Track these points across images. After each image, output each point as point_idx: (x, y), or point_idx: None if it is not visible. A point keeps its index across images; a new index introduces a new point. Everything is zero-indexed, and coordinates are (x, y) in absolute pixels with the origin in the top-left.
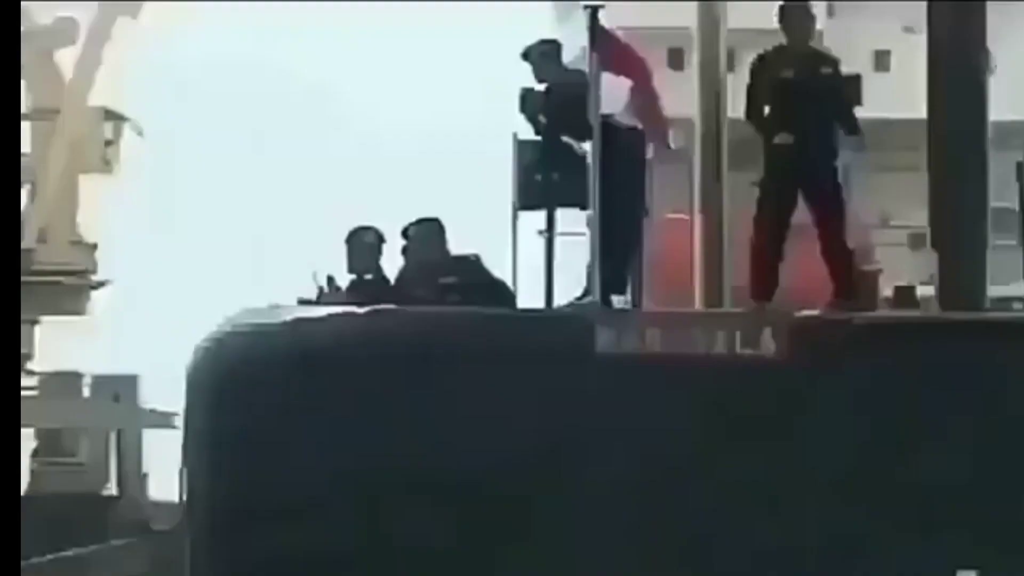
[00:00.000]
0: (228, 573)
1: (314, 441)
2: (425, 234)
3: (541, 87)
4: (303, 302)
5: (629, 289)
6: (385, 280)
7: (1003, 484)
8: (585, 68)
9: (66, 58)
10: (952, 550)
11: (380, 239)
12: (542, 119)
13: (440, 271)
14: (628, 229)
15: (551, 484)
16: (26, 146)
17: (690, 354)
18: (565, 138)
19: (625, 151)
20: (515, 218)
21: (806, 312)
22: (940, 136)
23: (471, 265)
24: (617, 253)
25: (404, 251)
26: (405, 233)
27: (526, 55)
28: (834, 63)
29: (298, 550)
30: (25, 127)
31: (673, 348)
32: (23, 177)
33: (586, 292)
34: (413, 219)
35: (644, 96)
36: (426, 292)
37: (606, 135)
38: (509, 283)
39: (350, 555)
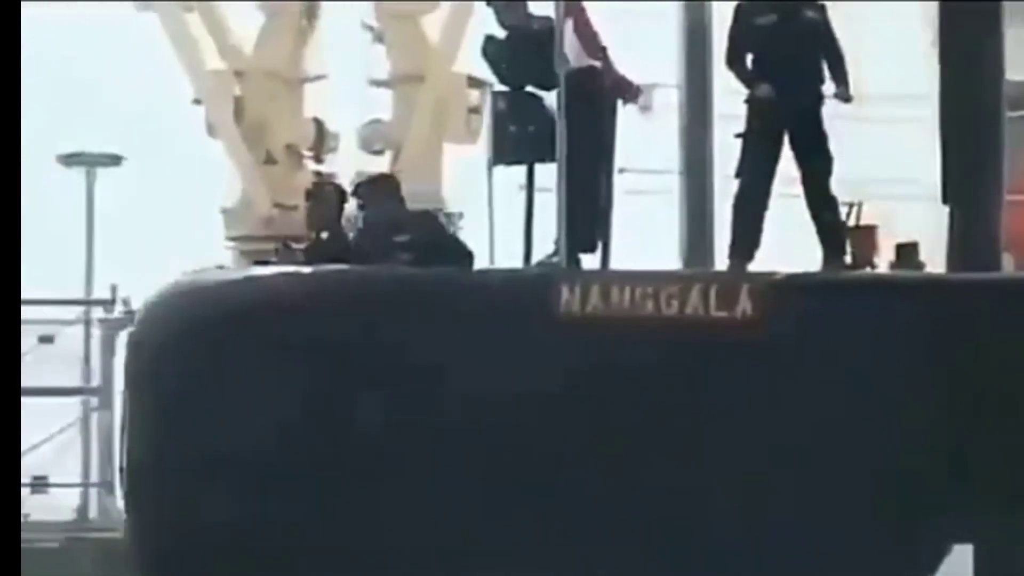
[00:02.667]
0: (167, 537)
1: (253, 403)
2: (378, 190)
3: (503, 33)
4: (258, 263)
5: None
6: (343, 238)
7: (996, 452)
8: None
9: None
10: (947, 522)
11: (341, 195)
12: (504, 67)
13: (393, 229)
14: (596, 185)
15: (507, 449)
16: (387, 112)
17: (659, 315)
18: (530, 88)
19: (594, 104)
20: (490, 173)
21: (779, 271)
22: (952, 86)
23: (426, 221)
24: (585, 210)
25: (360, 208)
26: (356, 191)
27: (489, 1)
28: (820, 7)
29: (238, 513)
30: (386, 94)
31: (641, 309)
32: (386, 144)
33: (556, 251)
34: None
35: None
36: (378, 251)
37: (572, 87)
38: (476, 241)
39: (294, 518)
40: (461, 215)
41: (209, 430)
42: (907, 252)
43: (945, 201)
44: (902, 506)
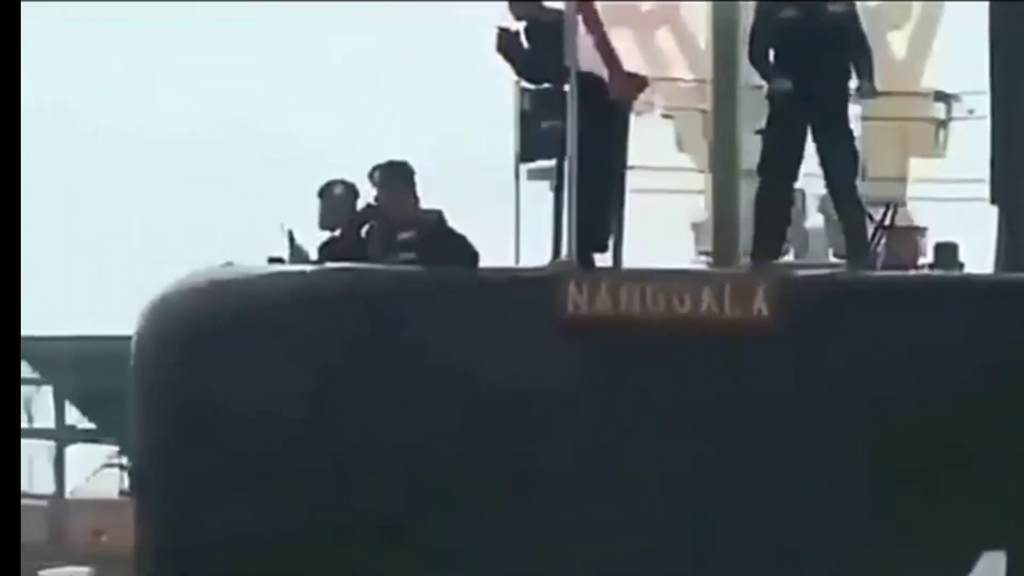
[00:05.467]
0: (176, 537)
1: (259, 403)
2: (390, 178)
3: (517, 25)
4: (273, 260)
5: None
6: (355, 236)
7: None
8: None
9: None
10: (979, 528)
11: (352, 193)
12: (520, 62)
13: (399, 225)
14: (607, 184)
15: (515, 453)
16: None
17: (672, 314)
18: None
19: (605, 102)
20: (517, 170)
21: (797, 270)
22: (1004, 82)
23: (433, 218)
24: (596, 209)
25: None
26: (371, 176)
27: None
28: (846, 2)
29: (247, 513)
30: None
31: (653, 308)
32: None
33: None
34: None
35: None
36: (384, 247)
37: (585, 84)
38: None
39: (303, 520)
40: None
41: (213, 429)
42: (946, 252)
43: (993, 201)
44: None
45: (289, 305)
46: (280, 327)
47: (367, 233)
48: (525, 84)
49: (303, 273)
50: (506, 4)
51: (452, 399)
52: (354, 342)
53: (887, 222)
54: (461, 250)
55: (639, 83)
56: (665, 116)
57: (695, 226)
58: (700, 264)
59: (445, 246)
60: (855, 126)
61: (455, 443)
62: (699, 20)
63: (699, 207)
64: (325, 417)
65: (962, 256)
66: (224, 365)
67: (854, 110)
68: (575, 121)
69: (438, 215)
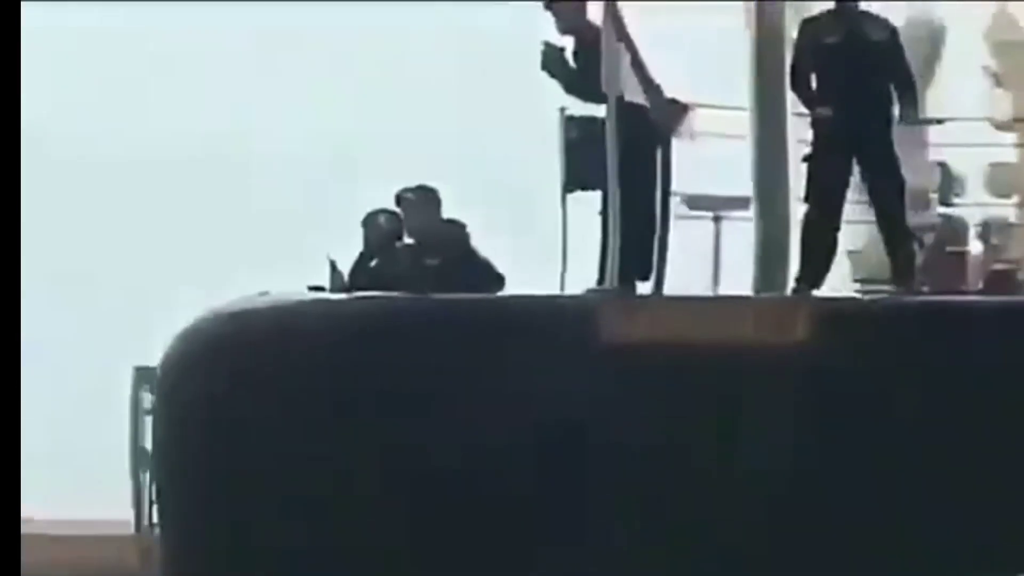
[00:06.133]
0: (203, 563)
1: (290, 430)
2: (419, 202)
3: (564, 41)
4: (313, 288)
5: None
6: (394, 265)
7: None
8: None
9: None
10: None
11: (396, 222)
12: (567, 78)
13: (426, 251)
14: (649, 212)
15: (557, 480)
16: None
17: (713, 341)
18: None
19: (646, 128)
20: (564, 199)
21: (838, 296)
22: None
23: (460, 243)
24: (637, 237)
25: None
26: (399, 200)
27: (548, 5)
28: (889, 28)
29: (276, 539)
30: (1007, 137)
31: (695, 335)
32: (1012, 187)
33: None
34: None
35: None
36: (410, 277)
37: (625, 110)
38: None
39: (329, 546)
40: None
41: (238, 454)
42: (999, 278)
43: None
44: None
45: (325, 333)
46: (315, 355)
47: (397, 259)
48: (569, 112)
49: (340, 302)
50: (552, 16)
51: (493, 427)
52: (392, 370)
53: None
54: (487, 274)
55: (680, 110)
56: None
57: (851, 254)
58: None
59: (471, 270)
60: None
61: (495, 471)
62: None
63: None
64: (361, 444)
65: None
66: (255, 392)
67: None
68: (615, 148)
69: (465, 239)
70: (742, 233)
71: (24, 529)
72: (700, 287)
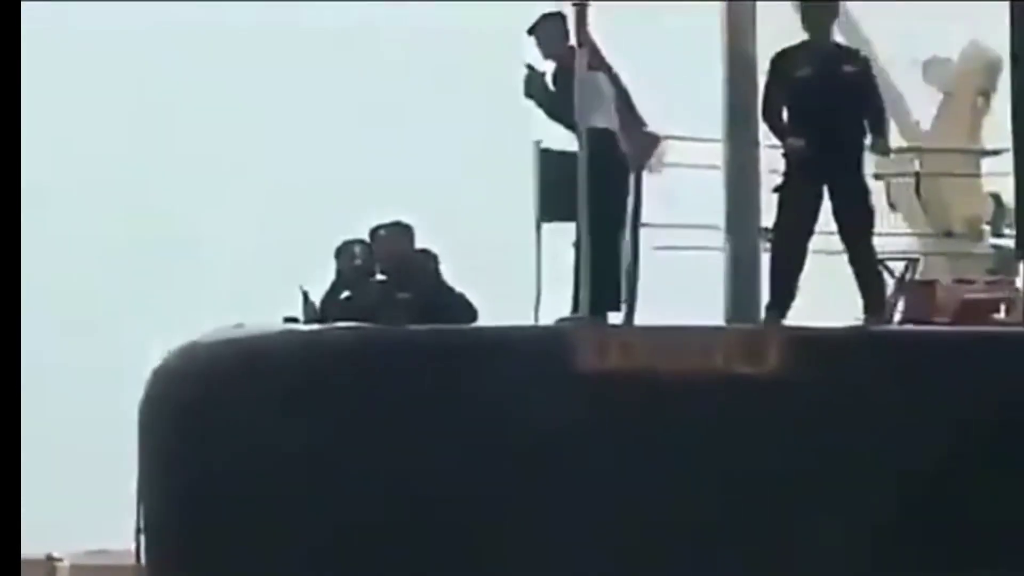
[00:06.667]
0: None
1: (263, 462)
2: (388, 239)
3: (546, 66)
4: (288, 320)
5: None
6: (368, 296)
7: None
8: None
9: None
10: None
11: (369, 252)
12: (549, 104)
13: (397, 285)
14: (620, 242)
15: (527, 509)
16: None
17: (683, 371)
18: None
19: (617, 159)
20: (538, 230)
21: (805, 326)
22: None
23: (430, 276)
24: (608, 267)
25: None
26: (373, 234)
27: (532, 30)
28: (861, 60)
29: (250, 567)
30: None
31: (665, 365)
32: None
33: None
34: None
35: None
36: (382, 311)
37: (596, 140)
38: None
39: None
40: None
41: (222, 487)
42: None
43: (1020, 255)
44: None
45: (299, 365)
46: (290, 387)
47: (369, 292)
48: (544, 144)
49: (313, 333)
50: (535, 41)
51: (463, 457)
52: (366, 402)
53: (907, 277)
54: (459, 306)
55: (653, 140)
56: (876, 178)
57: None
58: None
59: (443, 303)
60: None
61: (468, 499)
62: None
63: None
64: (337, 476)
65: None
66: (231, 425)
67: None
68: (586, 179)
69: (436, 272)
70: None
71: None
72: None
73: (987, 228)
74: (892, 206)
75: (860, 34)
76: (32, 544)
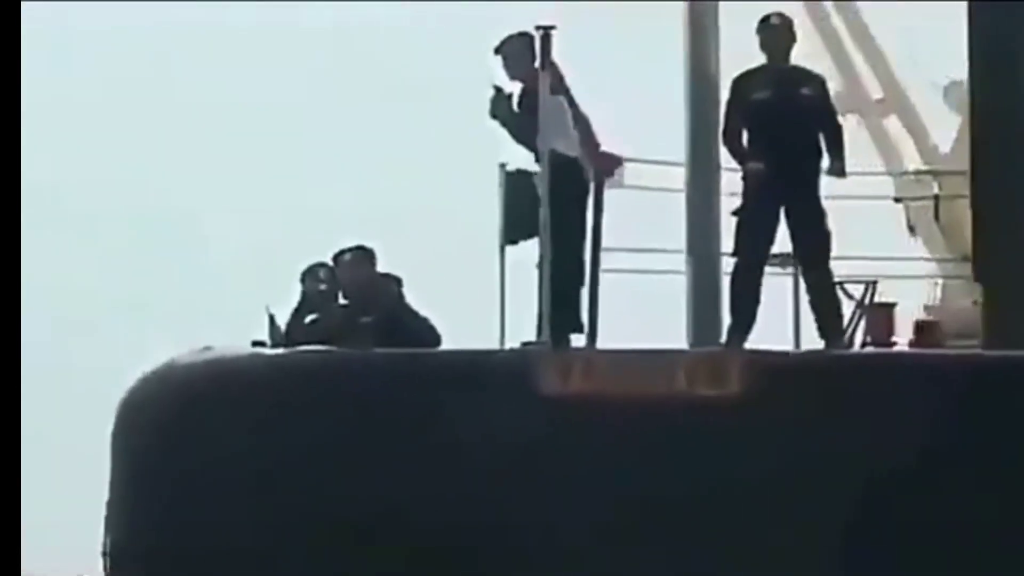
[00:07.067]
0: None
1: (228, 485)
2: (351, 264)
3: (512, 86)
4: (256, 343)
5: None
6: (332, 318)
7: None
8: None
9: None
10: None
11: (334, 278)
12: (514, 125)
13: (360, 309)
14: (583, 264)
15: (491, 534)
16: None
17: (644, 394)
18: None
19: (579, 182)
20: (502, 253)
21: (765, 349)
22: (985, 156)
23: (393, 300)
24: (570, 290)
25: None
26: (336, 259)
27: (498, 50)
28: (817, 82)
29: None
30: None
31: (626, 388)
32: None
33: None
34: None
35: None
36: (346, 336)
37: (559, 164)
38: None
39: None
40: None
41: (191, 513)
42: (926, 330)
43: (977, 279)
44: None
45: (265, 389)
46: (256, 410)
47: (333, 316)
48: (509, 166)
49: (278, 357)
50: (501, 61)
51: (429, 480)
52: (333, 425)
53: (866, 300)
54: (422, 330)
55: (614, 162)
56: (896, 201)
57: (926, 308)
58: None
59: (406, 327)
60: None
61: (432, 522)
62: (928, 110)
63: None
64: (302, 499)
65: None
66: (199, 449)
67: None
68: (547, 201)
69: (399, 296)
70: None
71: None
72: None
73: None
74: (911, 229)
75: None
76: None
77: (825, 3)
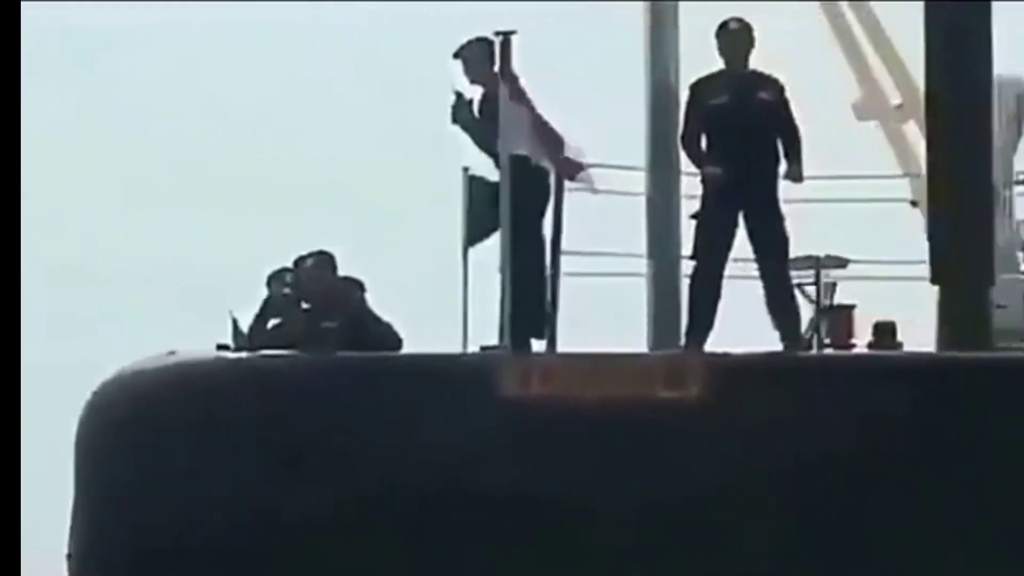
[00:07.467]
0: None
1: (192, 488)
2: (311, 269)
3: (474, 91)
4: (221, 347)
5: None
6: (295, 323)
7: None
8: None
9: None
10: None
11: (297, 281)
12: (474, 130)
13: (322, 314)
14: (540, 270)
15: (451, 539)
16: None
17: (604, 398)
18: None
19: (540, 187)
20: (465, 256)
21: (723, 353)
22: (940, 156)
23: (354, 305)
24: (531, 295)
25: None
26: (297, 264)
27: (458, 54)
28: (775, 86)
29: None
30: None
31: (586, 392)
32: None
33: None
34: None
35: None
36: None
37: (519, 170)
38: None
39: None
40: None
41: (154, 516)
42: (884, 331)
43: (934, 281)
44: None
45: (226, 392)
46: (218, 414)
47: (296, 322)
48: (472, 171)
49: (244, 361)
50: (461, 65)
51: (387, 485)
52: (294, 429)
53: (825, 302)
54: (383, 335)
55: (575, 167)
56: (913, 205)
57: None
58: None
59: (367, 332)
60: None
61: (389, 529)
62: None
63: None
64: (263, 502)
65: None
66: (160, 453)
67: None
68: (508, 206)
69: (360, 301)
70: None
71: None
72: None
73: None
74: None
75: None
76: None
77: (841, 3)
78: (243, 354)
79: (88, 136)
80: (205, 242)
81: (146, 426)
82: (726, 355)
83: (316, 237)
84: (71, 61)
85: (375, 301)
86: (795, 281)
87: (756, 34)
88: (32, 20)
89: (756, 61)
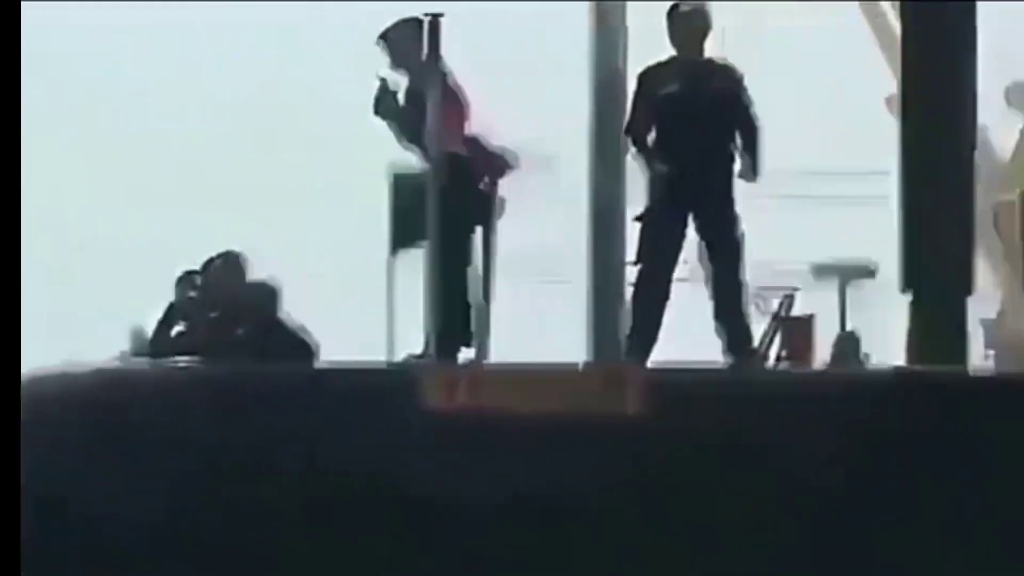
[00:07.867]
0: None
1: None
2: (224, 268)
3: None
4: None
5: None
6: (202, 329)
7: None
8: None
9: None
10: None
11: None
12: (397, 123)
13: (231, 320)
14: (468, 275)
15: (375, 554)
16: None
17: (535, 411)
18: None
19: (470, 186)
20: (391, 260)
21: (660, 367)
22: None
23: (264, 310)
24: (457, 301)
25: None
26: (206, 267)
27: (384, 36)
28: (732, 75)
29: None
30: None
31: (516, 405)
32: None
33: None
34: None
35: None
36: (215, 348)
37: (448, 166)
38: None
39: None
40: None
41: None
42: (845, 344)
43: (904, 290)
44: None
45: (127, 402)
46: (96, 427)
47: (206, 326)
48: (397, 170)
49: (147, 370)
50: (384, 49)
51: (307, 498)
52: (208, 442)
53: (783, 312)
54: (294, 343)
55: (504, 165)
56: None
57: (983, 322)
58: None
59: (278, 339)
60: None
61: (311, 542)
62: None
63: None
64: (147, 520)
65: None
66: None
67: None
68: (436, 205)
69: (272, 307)
70: None
71: None
72: None
73: None
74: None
75: None
76: None
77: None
78: (131, 364)
79: (88, 136)
80: (205, 242)
81: (31, 432)
82: (668, 369)
83: (316, 237)
84: (72, 61)
85: (298, 307)
86: (750, 289)
87: (711, 20)
88: (32, 20)
89: (798, 60)
